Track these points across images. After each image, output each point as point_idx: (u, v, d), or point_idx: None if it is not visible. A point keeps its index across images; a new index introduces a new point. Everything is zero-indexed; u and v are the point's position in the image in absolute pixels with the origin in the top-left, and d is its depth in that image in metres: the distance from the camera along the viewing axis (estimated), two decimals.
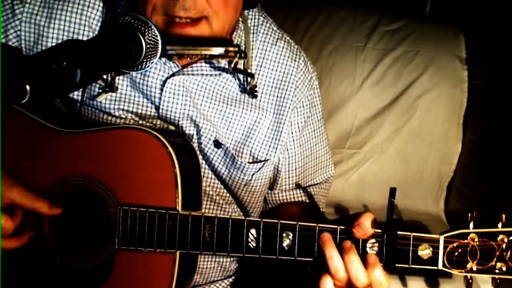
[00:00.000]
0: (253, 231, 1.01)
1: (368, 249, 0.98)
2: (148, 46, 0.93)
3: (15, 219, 1.05)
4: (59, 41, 1.15)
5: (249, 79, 1.17)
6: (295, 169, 1.29)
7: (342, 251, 0.96)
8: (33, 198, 1.05)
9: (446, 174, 1.92)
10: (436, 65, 1.91)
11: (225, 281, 1.34)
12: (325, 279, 0.95)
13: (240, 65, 1.16)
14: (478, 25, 1.94)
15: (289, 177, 1.30)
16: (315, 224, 0.99)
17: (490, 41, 1.89)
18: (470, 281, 0.97)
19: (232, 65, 1.09)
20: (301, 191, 1.33)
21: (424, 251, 0.97)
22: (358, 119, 1.92)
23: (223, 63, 1.15)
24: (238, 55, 1.06)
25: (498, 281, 0.97)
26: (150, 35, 0.94)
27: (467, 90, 1.90)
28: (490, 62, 1.88)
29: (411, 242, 0.97)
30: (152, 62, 0.96)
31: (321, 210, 1.36)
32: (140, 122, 1.18)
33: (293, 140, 1.26)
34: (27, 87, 0.70)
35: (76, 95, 1.17)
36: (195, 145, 1.19)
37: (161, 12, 1.03)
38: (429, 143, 1.91)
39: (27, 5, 1.16)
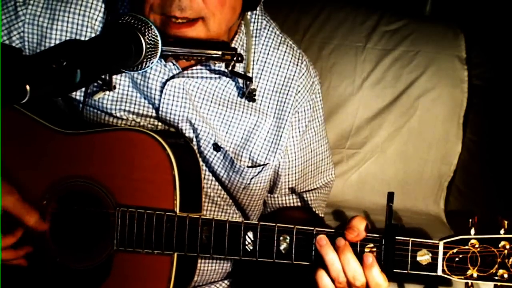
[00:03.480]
0: (250, 234, 1.02)
1: None
2: (148, 46, 0.93)
3: (8, 236, 1.06)
4: None
5: (248, 82, 1.17)
6: (295, 173, 1.29)
7: (336, 251, 0.96)
8: (24, 209, 1.06)
9: (446, 174, 1.92)
10: (436, 65, 1.90)
11: (225, 281, 1.33)
12: (321, 273, 0.96)
13: (239, 69, 1.16)
14: (478, 25, 1.94)
15: (288, 181, 1.29)
16: (312, 228, 0.99)
17: (490, 41, 1.89)
18: None
19: (230, 68, 1.09)
20: (300, 196, 1.32)
21: (423, 257, 0.96)
22: (358, 119, 1.92)
23: (222, 66, 1.14)
24: (235, 58, 1.06)
25: None
26: (150, 35, 0.93)
27: (467, 90, 1.90)
28: (490, 62, 1.87)
29: (410, 248, 0.96)
30: (152, 62, 0.96)
31: (320, 215, 1.36)
32: (142, 124, 1.18)
33: (294, 144, 1.26)
34: (27, 87, 0.70)
35: (78, 95, 1.17)
36: (195, 148, 1.19)
37: (158, 11, 1.03)
38: (429, 143, 1.90)
39: (30, 7, 1.16)
